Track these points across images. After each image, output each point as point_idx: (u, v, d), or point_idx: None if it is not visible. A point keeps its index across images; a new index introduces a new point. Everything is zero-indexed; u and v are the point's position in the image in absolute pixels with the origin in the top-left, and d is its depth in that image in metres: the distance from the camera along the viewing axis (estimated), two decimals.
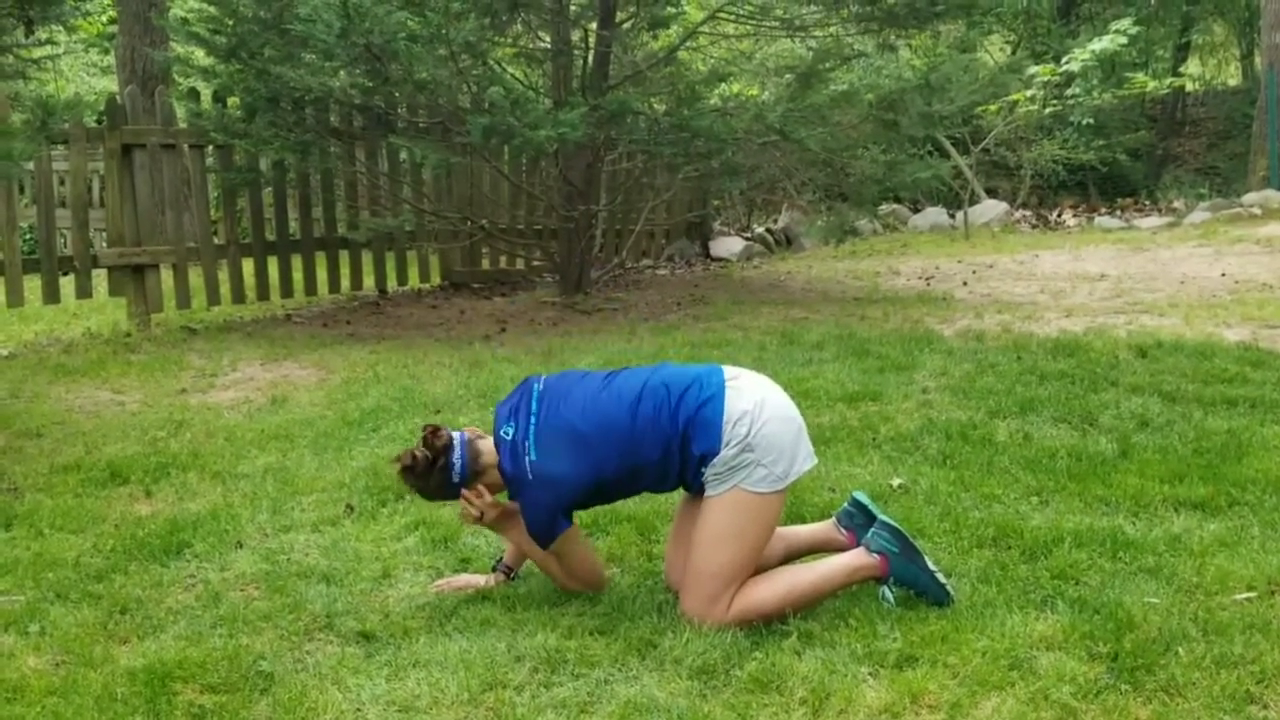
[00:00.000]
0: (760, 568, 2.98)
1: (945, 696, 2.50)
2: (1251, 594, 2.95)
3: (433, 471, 3.01)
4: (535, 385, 3.08)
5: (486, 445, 3.06)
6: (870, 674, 2.62)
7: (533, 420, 2.98)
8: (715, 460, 2.89)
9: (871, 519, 3.09)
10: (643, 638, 2.81)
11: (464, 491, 3.02)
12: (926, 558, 2.98)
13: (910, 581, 2.95)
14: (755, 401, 2.92)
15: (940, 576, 2.95)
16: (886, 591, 2.96)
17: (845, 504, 3.21)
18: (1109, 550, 3.23)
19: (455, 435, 3.05)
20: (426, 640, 2.84)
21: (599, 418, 2.94)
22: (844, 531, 3.16)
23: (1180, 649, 2.64)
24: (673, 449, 2.91)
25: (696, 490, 2.99)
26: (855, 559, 2.99)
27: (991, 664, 2.61)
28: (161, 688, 2.63)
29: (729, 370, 3.03)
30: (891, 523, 3.03)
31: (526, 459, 2.93)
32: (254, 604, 3.10)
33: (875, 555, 2.97)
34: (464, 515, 3.06)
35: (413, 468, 3.01)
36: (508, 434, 2.99)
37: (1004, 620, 2.80)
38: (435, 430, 3.05)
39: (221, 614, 3.04)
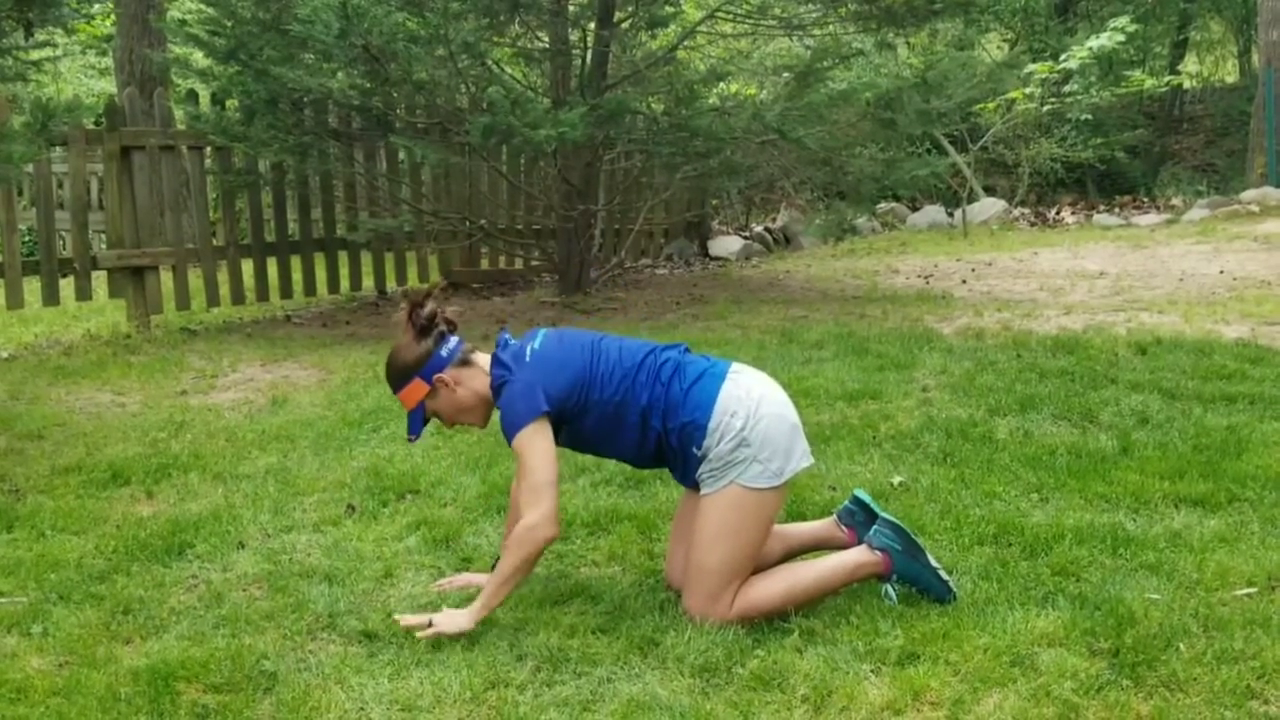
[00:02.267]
0: (759, 566, 2.99)
1: (947, 693, 2.51)
2: (1252, 589, 2.96)
3: (428, 335, 2.99)
4: (541, 329, 3.12)
5: (483, 356, 3.07)
6: (872, 671, 2.63)
7: (540, 334, 3.04)
8: (710, 454, 2.90)
9: (872, 516, 3.10)
10: (645, 636, 2.82)
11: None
12: (929, 555, 2.99)
13: (913, 579, 2.96)
14: (753, 396, 2.94)
15: (943, 573, 2.96)
16: (889, 589, 2.96)
17: (846, 502, 3.22)
18: (1109, 547, 3.24)
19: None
20: (428, 639, 2.84)
21: (604, 353, 2.99)
22: (844, 529, 3.16)
23: (1181, 645, 2.65)
24: (659, 404, 2.92)
25: (680, 477, 3.02)
26: (858, 556, 3.00)
27: (993, 660, 2.62)
28: (165, 688, 2.63)
29: (735, 365, 3.06)
30: (894, 520, 3.04)
31: (529, 347, 2.98)
32: (256, 604, 3.11)
33: (878, 553, 2.98)
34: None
35: (417, 312, 2.99)
36: (508, 339, 3.04)
37: (1005, 617, 2.81)
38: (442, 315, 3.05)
39: (224, 614, 3.05)
